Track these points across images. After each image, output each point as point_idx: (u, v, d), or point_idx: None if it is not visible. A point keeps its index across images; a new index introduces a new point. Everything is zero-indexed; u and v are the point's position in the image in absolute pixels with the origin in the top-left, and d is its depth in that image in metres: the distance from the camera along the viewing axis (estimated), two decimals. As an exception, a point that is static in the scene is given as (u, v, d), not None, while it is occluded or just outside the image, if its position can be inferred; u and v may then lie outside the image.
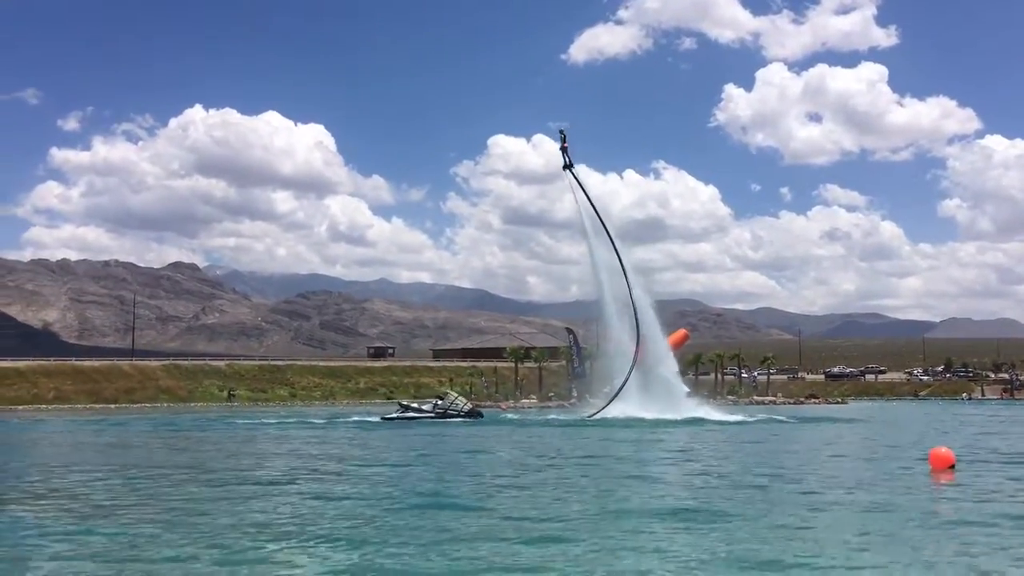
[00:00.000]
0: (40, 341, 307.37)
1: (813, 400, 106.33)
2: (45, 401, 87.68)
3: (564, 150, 62.57)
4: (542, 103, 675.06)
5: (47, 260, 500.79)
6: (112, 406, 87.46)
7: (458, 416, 55.06)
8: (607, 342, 64.12)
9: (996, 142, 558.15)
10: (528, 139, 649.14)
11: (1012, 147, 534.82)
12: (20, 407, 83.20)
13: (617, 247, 61.57)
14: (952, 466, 22.61)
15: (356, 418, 56.16)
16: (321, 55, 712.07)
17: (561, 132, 63.39)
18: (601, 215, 62.22)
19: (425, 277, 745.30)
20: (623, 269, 60.80)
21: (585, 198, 62.62)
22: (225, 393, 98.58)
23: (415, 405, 58.49)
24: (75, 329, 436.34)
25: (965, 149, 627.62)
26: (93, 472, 24.29)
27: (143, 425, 51.78)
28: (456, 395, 61.42)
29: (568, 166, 62.66)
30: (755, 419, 55.11)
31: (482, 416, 57.08)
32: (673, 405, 58.42)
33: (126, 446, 35.92)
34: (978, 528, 13.86)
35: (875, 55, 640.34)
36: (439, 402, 57.47)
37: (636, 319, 60.03)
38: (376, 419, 54.14)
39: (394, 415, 55.18)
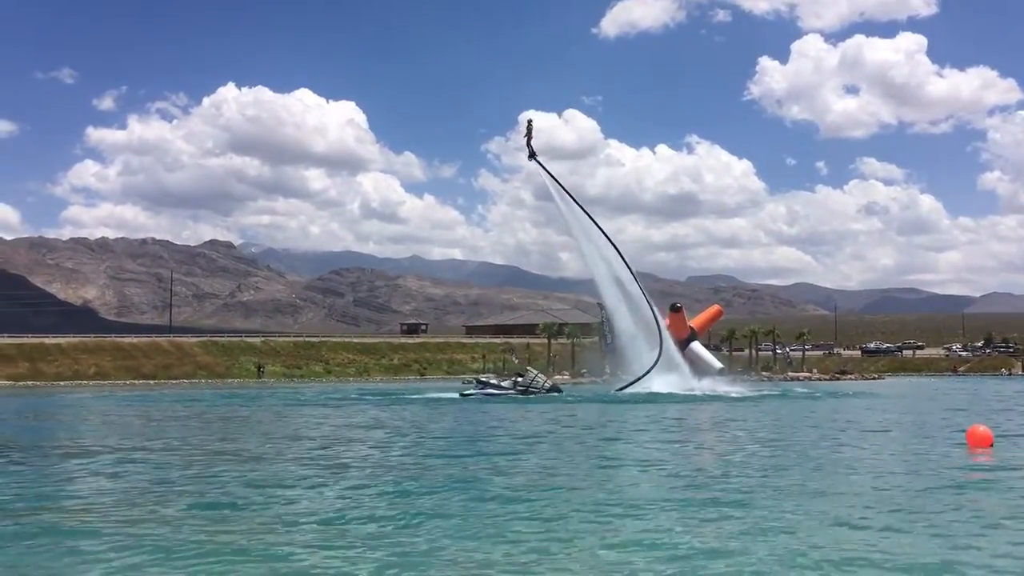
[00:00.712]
0: (80, 318, 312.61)
1: (847, 376, 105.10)
2: (86, 377, 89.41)
3: (529, 140, 62.76)
4: (574, 78, 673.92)
5: (86, 238, 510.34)
6: (151, 382, 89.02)
7: (539, 392, 54.38)
8: (620, 321, 64.49)
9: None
10: (560, 114, 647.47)
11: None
12: (62, 383, 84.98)
13: (603, 229, 62.26)
14: (991, 445, 22.23)
15: (433, 395, 55.18)
16: (352, 32, 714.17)
17: (528, 123, 63.81)
18: (577, 199, 62.86)
19: (457, 254, 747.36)
20: (616, 250, 61.54)
21: (558, 186, 63.13)
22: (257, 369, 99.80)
23: (494, 381, 57.63)
24: (114, 306, 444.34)
25: (1006, 120, 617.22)
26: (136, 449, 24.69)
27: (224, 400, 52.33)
28: (536, 372, 60.33)
29: (532, 155, 62.82)
30: (781, 393, 54.56)
31: (562, 392, 56.53)
32: (694, 380, 58.91)
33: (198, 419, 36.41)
34: (1016, 510, 13.62)
35: (914, 24, 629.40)
36: (519, 379, 56.51)
37: (646, 298, 60.71)
38: (454, 395, 53.67)
39: (472, 391, 54.61)
